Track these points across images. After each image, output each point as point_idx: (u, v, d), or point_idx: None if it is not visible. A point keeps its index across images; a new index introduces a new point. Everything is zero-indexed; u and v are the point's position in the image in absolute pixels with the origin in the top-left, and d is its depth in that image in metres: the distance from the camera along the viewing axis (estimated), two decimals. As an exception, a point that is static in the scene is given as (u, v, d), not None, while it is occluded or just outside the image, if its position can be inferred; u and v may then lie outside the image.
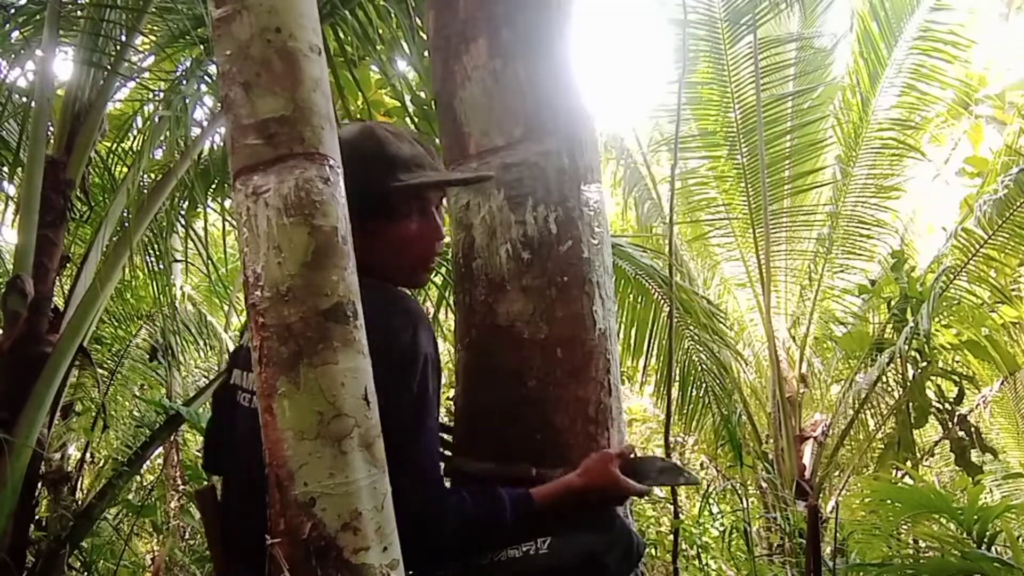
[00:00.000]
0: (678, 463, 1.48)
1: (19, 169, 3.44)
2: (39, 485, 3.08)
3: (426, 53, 2.51)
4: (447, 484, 1.39)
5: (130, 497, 4.40)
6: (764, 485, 6.03)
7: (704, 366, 5.33)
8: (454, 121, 1.69)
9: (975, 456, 4.46)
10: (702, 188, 6.99)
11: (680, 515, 3.58)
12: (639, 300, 4.97)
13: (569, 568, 1.30)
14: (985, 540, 2.16)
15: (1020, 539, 2.10)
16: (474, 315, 1.62)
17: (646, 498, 4.74)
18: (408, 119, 3.30)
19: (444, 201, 1.52)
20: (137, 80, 3.73)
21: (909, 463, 4.59)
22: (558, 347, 1.55)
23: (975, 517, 2.19)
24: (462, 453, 1.64)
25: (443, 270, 3.59)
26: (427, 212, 1.42)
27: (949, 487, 6.23)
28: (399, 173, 1.37)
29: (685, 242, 7.39)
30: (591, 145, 1.69)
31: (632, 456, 1.50)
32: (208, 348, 6.23)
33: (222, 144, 3.51)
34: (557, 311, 1.56)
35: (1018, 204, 5.16)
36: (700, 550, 3.76)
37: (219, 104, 2.39)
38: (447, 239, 1.46)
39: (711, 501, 4.30)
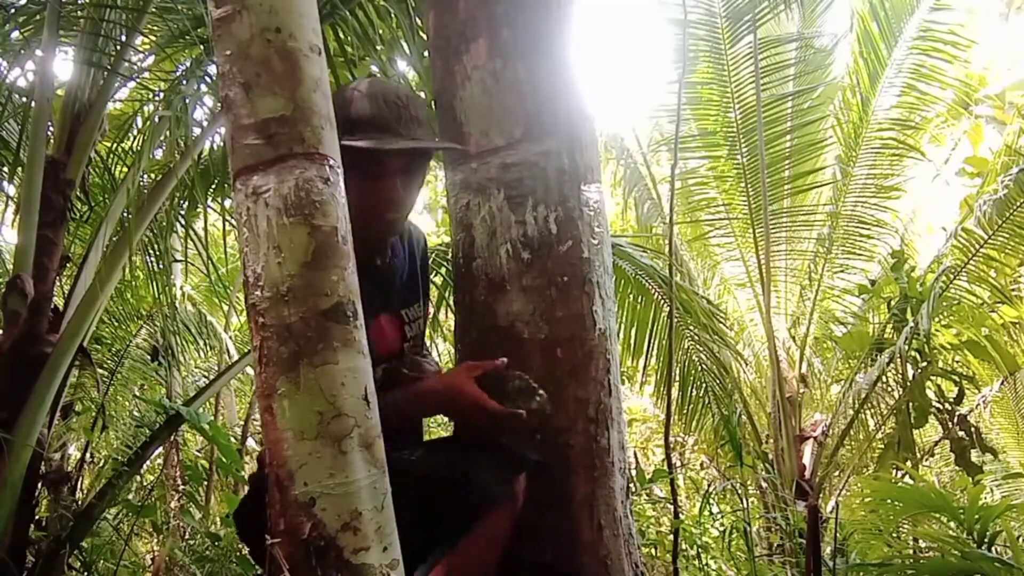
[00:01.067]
0: (531, 382, 1.42)
1: (19, 169, 3.44)
2: (39, 485, 3.07)
3: (426, 53, 2.51)
4: None
5: (130, 497, 4.39)
6: (764, 485, 6.02)
7: (704, 366, 5.33)
8: (454, 121, 1.69)
9: (975, 456, 4.45)
10: (702, 188, 6.97)
11: (680, 515, 3.57)
12: (639, 300, 4.96)
13: (435, 478, 1.38)
14: (985, 540, 2.16)
15: (1020, 539, 2.09)
16: (474, 315, 1.62)
17: (646, 498, 4.74)
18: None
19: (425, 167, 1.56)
20: (137, 80, 3.72)
21: (909, 463, 4.58)
22: (558, 347, 1.55)
23: (975, 517, 2.19)
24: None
25: (443, 270, 3.59)
26: (379, 173, 1.45)
27: (949, 487, 6.23)
28: (357, 133, 1.42)
29: (685, 242, 7.38)
30: (591, 145, 1.69)
31: (492, 374, 1.46)
32: (208, 348, 6.22)
33: (222, 144, 3.51)
34: (557, 311, 1.56)
35: (1018, 204, 5.16)
36: (700, 550, 3.75)
37: (219, 104, 2.38)
38: (398, 198, 1.48)
39: (711, 501, 4.29)
